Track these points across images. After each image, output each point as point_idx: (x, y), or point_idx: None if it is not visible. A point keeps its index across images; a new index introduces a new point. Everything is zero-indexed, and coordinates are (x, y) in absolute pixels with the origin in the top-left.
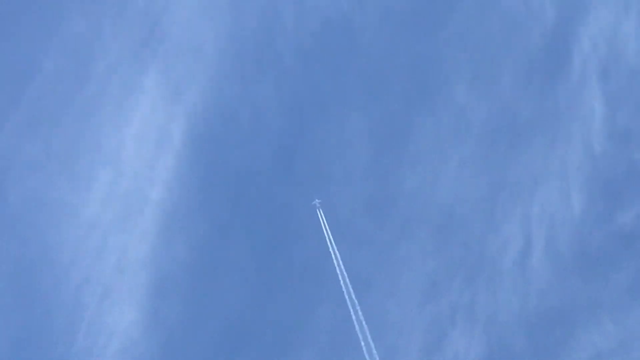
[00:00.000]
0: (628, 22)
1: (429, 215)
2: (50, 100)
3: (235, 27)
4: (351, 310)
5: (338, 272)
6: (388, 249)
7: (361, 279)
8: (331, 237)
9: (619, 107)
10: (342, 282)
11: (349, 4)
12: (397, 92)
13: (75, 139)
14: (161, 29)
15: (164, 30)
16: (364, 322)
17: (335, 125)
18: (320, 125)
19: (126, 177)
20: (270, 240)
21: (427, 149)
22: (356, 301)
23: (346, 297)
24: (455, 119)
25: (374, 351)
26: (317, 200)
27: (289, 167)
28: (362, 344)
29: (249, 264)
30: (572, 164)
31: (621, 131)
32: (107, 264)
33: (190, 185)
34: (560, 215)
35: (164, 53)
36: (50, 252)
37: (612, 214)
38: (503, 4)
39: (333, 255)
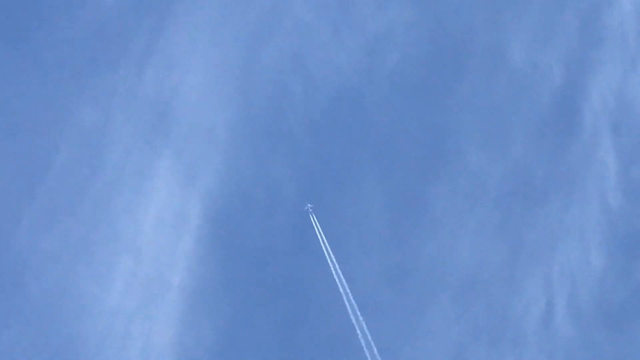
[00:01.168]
0: (636, 76)
1: (450, 281)
2: (65, 192)
3: (246, 106)
4: None
5: (363, 343)
6: (412, 317)
7: (387, 349)
8: (356, 308)
9: (632, 161)
10: (367, 353)
11: (358, 78)
12: (410, 161)
13: (92, 229)
14: (171, 113)
15: (175, 114)
16: None
17: (350, 198)
18: (335, 198)
19: (146, 263)
20: (294, 315)
21: (444, 215)
22: None
23: None
24: (470, 184)
25: None
26: (308, 205)
27: (307, 242)
28: None
29: (273, 340)
30: (590, 220)
31: (636, 185)
32: (132, 352)
33: (210, 267)
34: (581, 273)
35: (176, 137)
36: (74, 343)
37: (632, 269)
38: (510, 66)
39: (357, 326)
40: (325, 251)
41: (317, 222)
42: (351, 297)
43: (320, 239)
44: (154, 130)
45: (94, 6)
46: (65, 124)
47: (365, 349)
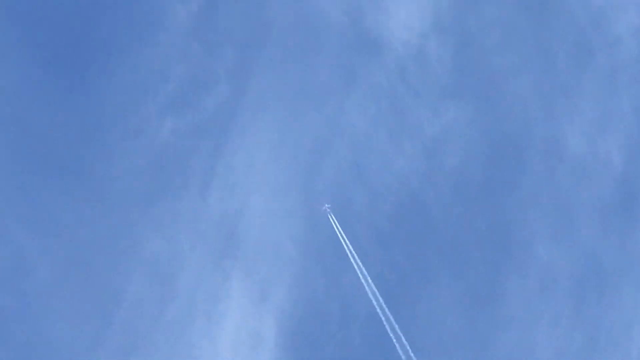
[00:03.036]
0: None
1: None
2: (139, 322)
3: (310, 221)
4: None
5: None
6: None
7: None
8: None
9: None
10: None
11: (419, 181)
12: (479, 259)
13: (169, 356)
14: (238, 234)
15: (241, 235)
16: None
17: (422, 302)
18: (407, 302)
19: None
20: None
21: (518, 309)
22: None
23: None
24: (541, 276)
25: None
26: (326, 205)
27: (384, 350)
28: None
29: None
30: None
31: None
32: None
33: None
34: None
35: (245, 257)
36: None
37: None
38: (570, 156)
39: None
40: (403, 357)
41: (394, 325)
42: None
43: (396, 344)
44: (222, 253)
45: (151, 134)
46: (134, 253)
47: None
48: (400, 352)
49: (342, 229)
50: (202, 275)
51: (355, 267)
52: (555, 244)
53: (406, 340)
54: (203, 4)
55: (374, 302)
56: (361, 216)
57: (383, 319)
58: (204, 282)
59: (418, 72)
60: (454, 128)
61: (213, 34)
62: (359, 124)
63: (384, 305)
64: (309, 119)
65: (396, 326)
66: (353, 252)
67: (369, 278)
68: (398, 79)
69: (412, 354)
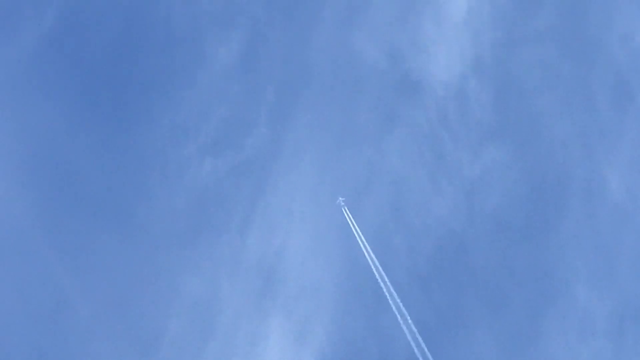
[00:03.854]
0: None
1: None
2: None
3: (350, 262)
4: None
5: None
6: None
7: None
8: None
9: None
10: None
11: (459, 224)
12: (518, 302)
13: None
14: (277, 275)
15: (280, 276)
16: None
17: (461, 344)
18: (447, 346)
19: None
20: None
21: (557, 353)
22: None
23: None
24: (580, 319)
25: None
26: (340, 198)
27: None
28: None
29: None
30: None
31: None
32: None
33: None
34: None
35: (284, 298)
36: None
37: None
38: (609, 199)
39: None
40: None
41: None
42: None
43: None
44: (261, 293)
45: (192, 175)
46: (174, 294)
47: None
48: None
49: (382, 270)
50: (241, 315)
51: (394, 308)
52: (594, 287)
53: None
54: (244, 45)
55: (413, 344)
56: (401, 257)
57: (342, 204)
58: (243, 322)
59: (458, 113)
60: (494, 170)
61: (254, 75)
62: (399, 166)
63: (423, 346)
64: (349, 160)
65: None
66: (393, 292)
67: (408, 319)
68: (438, 120)
69: None
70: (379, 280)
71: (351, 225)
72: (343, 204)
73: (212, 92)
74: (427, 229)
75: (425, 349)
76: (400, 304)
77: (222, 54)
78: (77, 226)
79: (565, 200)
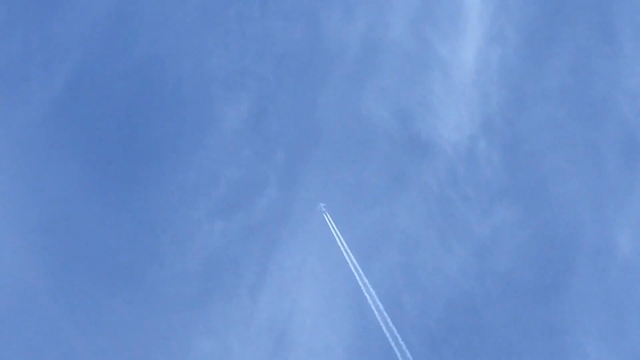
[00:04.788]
0: None
1: None
2: None
3: (361, 324)
4: None
5: None
6: None
7: None
8: None
9: None
10: None
11: (469, 283)
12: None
13: None
14: (288, 337)
15: (292, 338)
16: None
17: None
18: None
19: None
20: None
21: None
22: None
23: None
24: None
25: None
26: (321, 204)
27: None
28: None
29: None
30: None
31: None
32: None
33: None
34: None
35: None
36: None
37: None
38: (619, 257)
39: None
40: None
41: None
42: None
43: None
44: (272, 356)
45: (202, 237)
46: (185, 355)
47: None
48: None
49: (394, 330)
50: None
51: None
52: (605, 346)
53: None
54: (253, 107)
55: None
56: (412, 317)
57: (324, 210)
58: None
59: (468, 173)
60: (504, 229)
61: (263, 136)
62: (409, 226)
63: None
64: (359, 221)
65: None
66: (405, 351)
67: None
68: (448, 180)
69: None
70: (390, 340)
71: (361, 284)
72: (324, 210)
73: (221, 154)
74: (437, 289)
75: None
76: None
77: (231, 116)
78: (88, 288)
79: (575, 258)
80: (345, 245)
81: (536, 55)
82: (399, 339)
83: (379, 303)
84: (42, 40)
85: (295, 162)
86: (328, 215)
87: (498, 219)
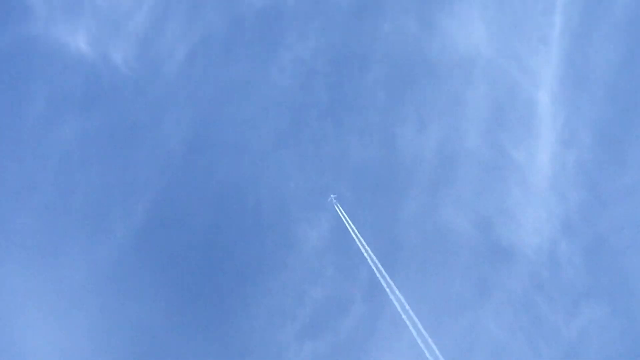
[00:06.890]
0: None
1: None
2: None
3: None
4: None
5: None
6: None
7: None
8: None
9: None
10: None
11: None
12: None
13: None
14: None
15: None
16: None
17: None
18: None
19: None
20: None
21: None
22: None
23: None
24: None
25: None
26: (332, 195)
27: None
28: None
29: None
30: None
31: None
32: None
33: None
34: None
35: None
36: None
37: None
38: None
39: None
40: None
41: None
42: None
43: None
44: None
45: (291, 358)
46: None
47: None
48: None
49: None
50: None
51: None
52: None
53: None
54: (334, 225)
55: None
56: None
57: (334, 201)
58: None
59: (551, 276)
60: (591, 330)
61: (346, 254)
62: (497, 332)
63: None
64: (447, 330)
65: None
66: None
67: None
68: (532, 284)
69: None
70: None
71: None
72: (335, 201)
73: (305, 274)
74: None
75: None
76: None
77: (312, 236)
78: None
79: None
80: (438, 353)
81: (611, 154)
82: None
83: None
84: (120, 173)
85: (379, 277)
86: (418, 327)
87: (584, 319)
